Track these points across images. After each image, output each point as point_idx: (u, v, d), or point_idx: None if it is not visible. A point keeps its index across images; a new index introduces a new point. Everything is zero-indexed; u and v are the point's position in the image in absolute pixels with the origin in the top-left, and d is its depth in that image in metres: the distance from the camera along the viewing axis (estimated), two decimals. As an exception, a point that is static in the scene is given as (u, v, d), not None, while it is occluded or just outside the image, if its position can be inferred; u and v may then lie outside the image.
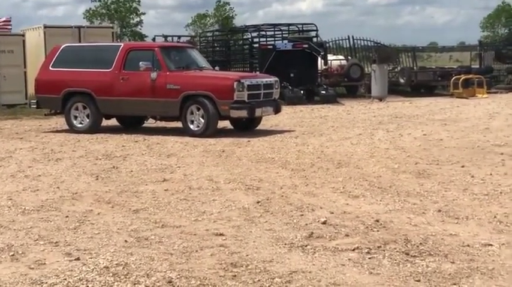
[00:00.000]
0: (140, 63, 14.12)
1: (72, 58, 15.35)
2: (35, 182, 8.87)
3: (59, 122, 16.67)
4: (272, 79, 15.05)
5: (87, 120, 14.93)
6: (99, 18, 60.15)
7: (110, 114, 15.36)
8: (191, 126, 13.98)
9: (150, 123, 15.64)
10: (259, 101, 14.24)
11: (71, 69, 15.13)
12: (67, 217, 6.93)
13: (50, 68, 15.43)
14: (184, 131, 14.01)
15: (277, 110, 15.03)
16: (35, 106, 16.17)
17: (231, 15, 67.14)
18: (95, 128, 14.79)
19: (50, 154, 11.47)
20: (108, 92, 14.58)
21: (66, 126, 15.29)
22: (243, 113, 13.97)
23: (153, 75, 14.11)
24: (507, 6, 70.80)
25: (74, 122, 15.01)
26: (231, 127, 15.08)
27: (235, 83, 13.78)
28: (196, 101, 13.90)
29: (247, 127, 14.81)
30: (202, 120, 13.83)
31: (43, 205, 7.50)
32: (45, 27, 22.98)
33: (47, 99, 15.50)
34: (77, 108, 15.02)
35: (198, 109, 13.90)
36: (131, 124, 15.80)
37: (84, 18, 59.36)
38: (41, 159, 10.95)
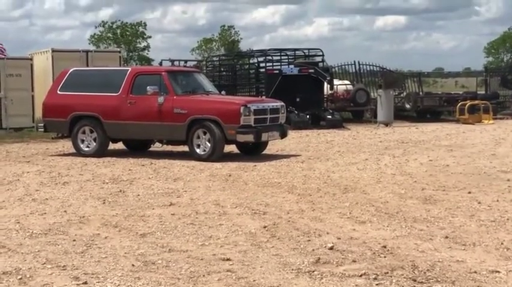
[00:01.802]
0: (148, 87, 14.20)
1: (80, 82, 15.43)
2: (42, 206, 8.90)
3: (66, 145, 16.73)
4: (278, 104, 15.10)
5: (94, 144, 14.97)
6: (105, 43, 60.57)
7: (117, 138, 15.43)
8: (197, 150, 14.02)
9: (156, 147, 15.69)
10: (266, 125, 14.30)
11: (78, 93, 15.20)
12: (74, 240, 6.95)
13: (58, 91, 15.51)
14: (190, 155, 14.03)
15: (283, 135, 15.06)
16: (42, 130, 16.21)
17: (236, 39, 67.61)
18: (101, 152, 14.84)
19: (57, 178, 11.51)
20: (115, 116, 14.65)
21: (73, 150, 15.35)
22: (250, 138, 14.00)
23: (160, 99, 14.17)
24: (512, 33, 71.12)
25: (81, 145, 15.05)
26: (237, 151, 15.10)
27: (242, 108, 13.84)
28: (203, 125, 13.95)
29: (253, 151, 14.84)
30: (209, 145, 13.87)
31: (50, 228, 7.52)
32: (53, 51, 23.12)
33: (54, 123, 15.57)
34: (84, 132, 15.06)
35: (205, 133, 13.94)
36: (138, 148, 15.85)
37: (90, 43, 59.82)
38: (48, 182, 10.99)
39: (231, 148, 15.04)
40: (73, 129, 15.11)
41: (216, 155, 13.80)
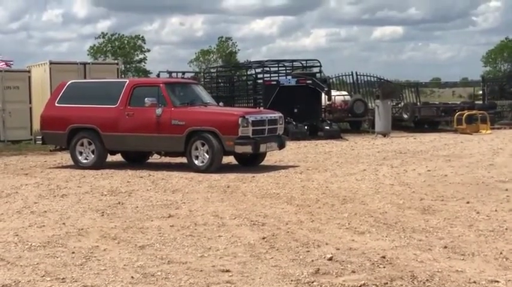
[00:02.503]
0: (146, 99, 14.21)
1: (78, 94, 15.45)
2: (41, 218, 8.89)
3: (64, 158, 16.73)
4: (276, 115, 15.14)
5: (92, 156, 14.97)
6: (102, 55, 60.74)
7: (115, 150, 15.44)
8: (196, 162, 14.03)
9: (155, 158, 15.69)
10: (264, 136, 14.31)
11: (76, 105, 15.22)
12: (73, 253, 6.94)
13: (56, 104, 15.51)
14: (189, 167, 14.04)
15: (281, 146, 15.07)
16: (40, 142, 16.20)
17: (234, 50, 67.74)
18: (99, 164, 14.84)
19: (55, 190, 11.50)
20: (113, 128, 14.66)
21: (71, 162, 15.34)
22: (248, 149, 14.00)
23: (158, 111, 14.20)
24: (510, 43, 71.27)
25: (79, 157, 15.05)
26: (236, 163, 15.11)
27: (240, 119, 13.85)
28: (201, 136, 13.96)
29: (251, 163, 14.85)
30: (207, 156, 13.88)
31: (49, 241, 7.51)
32: (50, 63, 23.15)
33: (53, 136, 15.58)
34: (82, 144, 15.06)
35: (203, 145, 13.94)
36: (136, 160, 15.86)
37: (88, 55, 59.99)
38: (46, 195, 10.98)
39: (229, 159, 15.05)
40: (71, 141, 15.11)
41: (214, 167, 13.81)
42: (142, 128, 14.43)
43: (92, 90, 15.70)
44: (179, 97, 14.95)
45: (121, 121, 14.61)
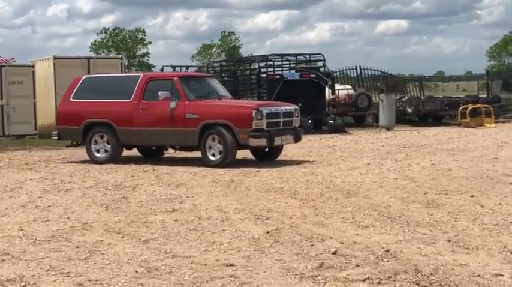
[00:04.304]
0: (159, 92, 14.10)
1: (93, 89, 15.40)
2: (45, 213, 8.91)
3: (68, 152, 16.76)
4: (292, 107, 14.91)
5: (107, 151, 14.89)
6: (105, 50, 60.74)
7: (129, 144, 15.31)
8: (209, 156, 13.88)
9: (170, 153, 15.63)
10: (279, 129, 14.11)
11: (91, 100, 15.17)
12: (78, 247, 6.96)
13: (71, 99, 15.43)
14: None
15: (297, 139, 14.80)
16: (56, 138, 16.04)
17: (237, 45, 67.66)
18: (115, 159, 14.74)
19: (59, 185, 11.52)
20: (128, 122, 14.56)
21: (75, 157, 15.35)
22: (262, 142, 13.85)
23: (172, 104, 14.08)
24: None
25: (94, 152, 14.96)
26: (252, 157, 14.93)
27: (254, 112, 13.67)
28: (215, 130, 13.80)
29: (268, 157, 14.67)
30: (221, 150, 13.74)
31: (54, 235, 7.53)
32: (54, 58, 23.21)
33: (68, 131, 15.47)
34: (97, 139, 14.97)
35: (217, 138, 13.77)
36: (152, 154, 15.75)
37: (91, 51, 59.94)
38: (51, 189, 11.00)
39: (245, 154, 14.94)
40: (86, 136, 15.04)
41: (227, 161, 13.65)
42: (157, 122, 14.32)
43: (107, 84, 15.66)
44: (193, 91, 14.74)
45: (135, 115, 14.51)
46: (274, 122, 14.06)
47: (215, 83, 16.18)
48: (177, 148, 15.06)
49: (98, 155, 14.97)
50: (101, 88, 15.42)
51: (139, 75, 15.50)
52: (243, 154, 14.82)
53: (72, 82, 16.08)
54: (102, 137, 14.97)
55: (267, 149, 14.71)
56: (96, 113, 14.96)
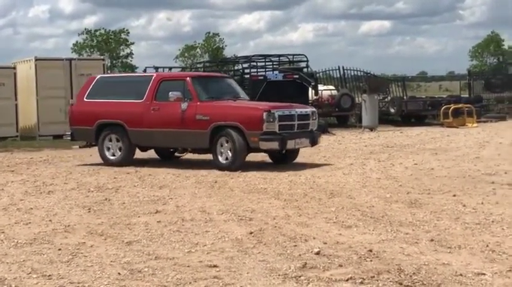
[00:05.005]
0: (170, 93, 13.77)
1: (106, 89, 15.13)
2: (27, 215, 8.85)
3: (50, 154, 16.65)
4: (309, 110, 14.50)
5: (120, 152, 14.58)
6: (88, 51, 60.40)
7: (141, 145, 14.93)
8: (220, 159, 13.51)
9: (181, 155, 15.29)
10: (293, 132, 13.60)
11: (104, 100, 14.91)
12: (60, 249, 6.91)
13: (84, 99, 15.20)
14: (213, 164, 13.59)
15: (314, 142, 14.22)
16: (69, 138, 15.81)
17: (220, 46, 67.53)
18: (128, 160, 14.44)
19: (41, 187, 11.44)
20: (139, 123, 14.25)
21: (57, 159, 15.24)
22: (274, 145, 13.32)
23: (184, 105, 13.73)
24: (496, 37, 71.56)
25: (107, 154, 14.66)
26: (269, 161, 14.58)
27: (265, 114, 13.21)
28: (225, 132, 13.43)
29: (284, 160, 14.28)
30: (231, 153, 13.36)
31: (36, 237, 7.48)
32: (36, 59, 23.06)
33: (81, 131, 15.21)
34: (110, 140, 14.68)
35: (227, 141, 13.39)
36: (169, 156, 15.49)
37: (73, 52, 59.55)
38: (32, 192, 10.93)
39: (262, 157, 14.64)
40: (99, 137, 14.78)
41: (237, 164, 13.23)
42: (167, 123, 13.98)
43: (120, 85, 15.48)
44: (206, 91, 14.29)
45: (146, 116, 14.19)
46: (288, 125, 13.56)
47: (231, 84, 15.76)
48: (189, 150, 14.64)
49: (110, 156, 14.60)
50: (115, 88, 15.13)
51: (153, 75, 15.24)
52: (261, 157, 14.50)
53: (86, 82, 15.91)
54: (115, 138, 14.64)
55: (284, 152, 14.14)
56: (108, 114, 14.64)
